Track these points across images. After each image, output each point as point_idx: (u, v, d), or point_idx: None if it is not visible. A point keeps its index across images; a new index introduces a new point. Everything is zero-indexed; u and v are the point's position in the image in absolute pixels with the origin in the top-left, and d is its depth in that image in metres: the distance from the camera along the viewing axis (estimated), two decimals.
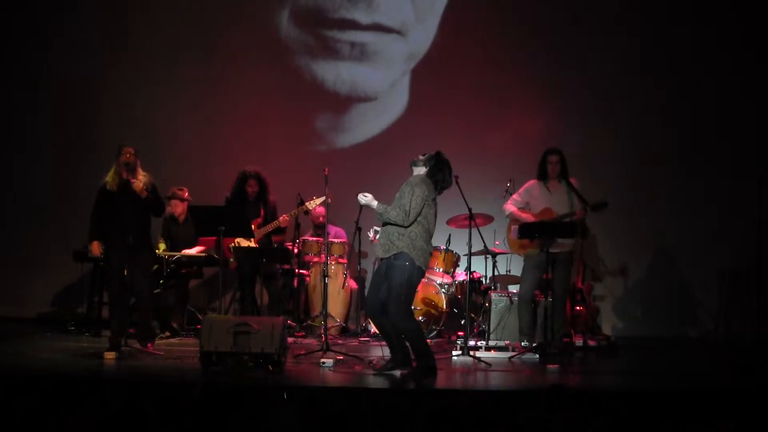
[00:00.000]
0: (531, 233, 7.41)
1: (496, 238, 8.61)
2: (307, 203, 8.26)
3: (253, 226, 8.03)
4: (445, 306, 8.48)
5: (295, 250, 8.60)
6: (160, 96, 9.69)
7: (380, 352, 7.02)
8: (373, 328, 8.16)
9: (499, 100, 9.64)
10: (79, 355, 7.12)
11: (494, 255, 8.47)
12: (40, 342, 7.93)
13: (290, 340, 7.62)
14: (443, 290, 8.51)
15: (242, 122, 9.70)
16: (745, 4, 9.43)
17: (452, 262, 8.73)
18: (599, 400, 5.40)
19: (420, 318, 8.44)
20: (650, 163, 9.53)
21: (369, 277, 9.33)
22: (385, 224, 6.36)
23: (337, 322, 8.63)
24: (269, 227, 8.31)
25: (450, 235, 8.64)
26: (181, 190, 8.62)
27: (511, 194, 7.83)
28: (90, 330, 8.48)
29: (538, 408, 4.35)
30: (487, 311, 8.01)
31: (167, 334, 8.29)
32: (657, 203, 9.48)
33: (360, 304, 9.04)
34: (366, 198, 6.40)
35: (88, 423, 4.21)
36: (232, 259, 8.22)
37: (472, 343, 7.48)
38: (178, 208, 8.62)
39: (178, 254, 8.50)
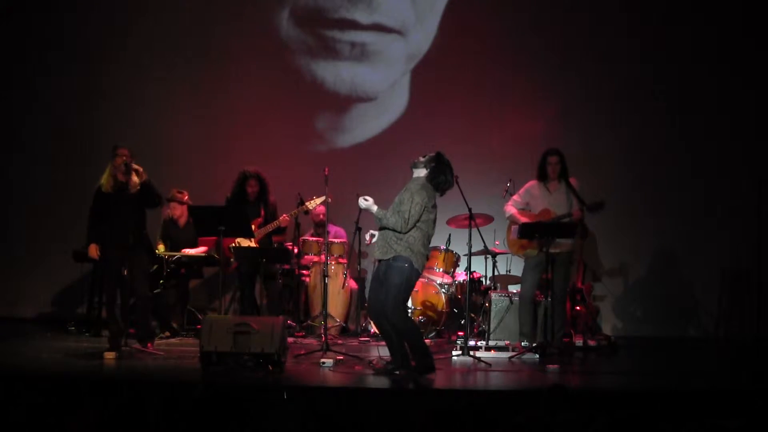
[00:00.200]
0: (531, 233, 7.41)
1: (496, 238, 8.61)
2: (307, 203, 8.26)
3: (253, 226, 8.03)
4: (445, 306, 8.48)
5: (295, 250, 8.59)
6: (160, 96, 9.69)
7: (380, 352, 7.02)
8: (373, 328, 8.17)
9: (499, 100, 9.64)
10: (79, 355, 7.12)
11: (494, 255, 8.47)
12: (40, 342, 7.93)
13: (290, 340, 7.62)
14: (443, 290, 8.51)
15: (242, 122, 9.70)
16: (746, 5, 9.43)
17: (452, 262, 8.73)
18: (599, 400, 5.40)
19: (420, 318, 8.45)
20: (650, 163, 9.52)
21: (369, 277, 9.34)
22: (383, 228, 6.37)
23: (337, 322, 8.63)
24: (269, 227, 8.31)
25: (450, 235, 8.64)
26: (180, 192, 8.61)
27: (511, 194, 7.84)
28: (90, 330, 8.49)
29: (538, 408, 4.34)
30: (487, 311, 8.01)
31: (167, 334, 8.29)
32: (657, 203, 9.48)
33: (360, 304, 9.04)
34: (366, 202, 6.41)
35: (88, 423, 4.21)
36: (232, 260, 8.21)
37: (472, 343, 7.48)
38: (177, 211, 8.61)
39: (178, 254, 8.50)
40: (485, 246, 7.87)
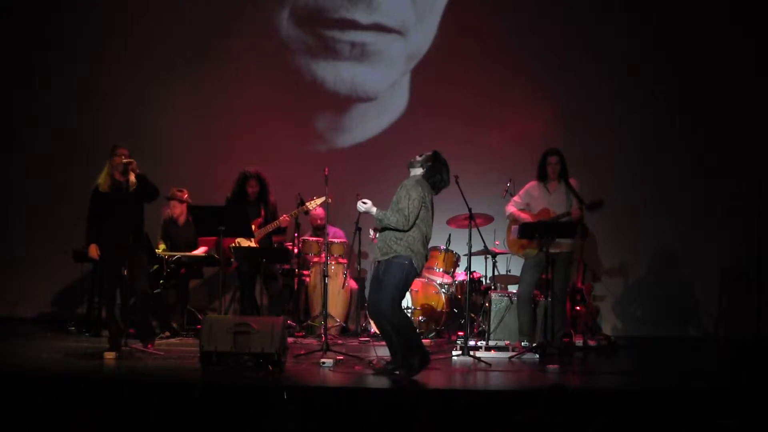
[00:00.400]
0: (531, 233, 7.41)
1: (496, 238, 8.60)
2: (307, 203, 8.26)
3: (253, 226, 8.03)
4: (445, 306, 8.47)
5: (295, 250, 8.59)
6: (160, 96, 9.69)
7: (380, 352, 7.01)
8: (373, 328, 8.17)
9: (499, 100, 9.64)
10: (79, 355, 7.12)
11: (494, 255, 8.47)
12: (40, 342, 7.93)
13: (290, 340, 7.62)
14: (443, 290, 8.51)
15: (242, 122, 9.70)
16: (746, 5, 9.43)
17: (452, 262, 8.73)
18: (599, 400, 5.39)
19: (420, 318, 8.45)
20: (650, 163, 9.52)
21: (369, 277, 9.34)
22: (383, 229, 6.37)
23: (337, 322, 8.63)
24: (270, 227, 8.31)
25: (450, 235, 8.64)
26: (180, 191, 8.61)
27: (511, 194, 7.84)
28: (90, 330, 8.49)
29: (538, 408, 4.34)
30: (487, 311, 8.01)
31: (167, 334, 8.29)
32: (657, 203, 9.48)
33: (360, 304, 9.04)
34: (365, 205, 6.40)
35: (88, 423, 4.21)
36: (233, 260, 8.21)
37: (472, 343, 7.48)
38: (176, 210, 8.61)
39: (178, 254, 8.50)
40: (485, 246, 7.87)
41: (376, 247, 6.44)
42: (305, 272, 8.88)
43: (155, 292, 8.26)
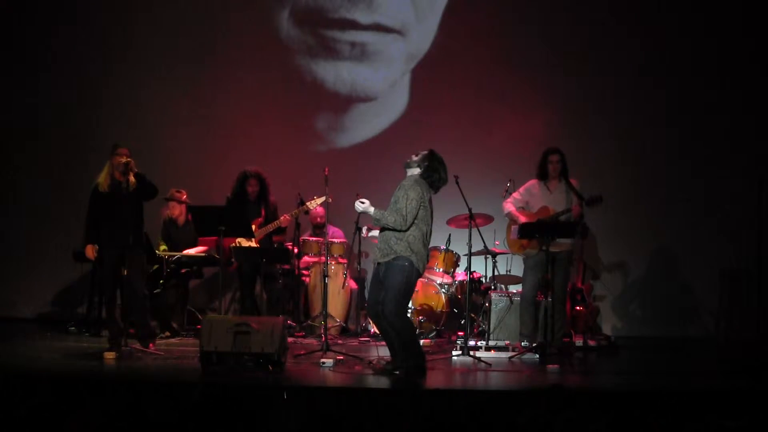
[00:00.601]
0: (531, 233, 7.41)
1: (496, 238, 8.60)
2: (307, 203, 8.26)
3: (253, 226, 8.03)
4: (445, 306, 8.48)
5: (295, 250, 8.60)
6: (160, 96, 9.69)
7: (380, 352, 7.02)
8: (373, 328, 8.17)
9: (499, 100, 9.64)
10: (79, 355, 7.12)
11: (494, 255, 8.47)
12: (40, 342, 7.93)
13: (290, 340, 7.62)
14: (443, 290, 8.51)
15: (242, 122, 9.70)
16: (746, 7, 9.42)
17: (452, 262, 8.73)
18: (599, 400, 5.40)
19: (420, 318, 8.44)
20: (650, 163, 9.52)
21: (369, 277, 9.34)
22: (382, 229, 6.36)
23: (337, 322, 8.63)
24: (270, 227, 8.31)
25: (450, 235, 8.64)
26: (179, 192, 8.61)
27: (511, 194, 7.83)
28: (90, 330, 8.49)
29: (538, 408, 4.34)
30: (487, 311, 8.01)
31: (167, 334, 8.29)
32: (657, 203, 9.48)
33: (360, 304, 9.04)
34: (363, 205, 6.39)
35: (89, 423, 4.21)
36: (233, 260, 8.22)
37: (472, 343, 7.49)
38: (175, 210, 8.61)
39: (178, 254, 8.50)
40: (485, 246, 7.87)
41: (377, 248, 6.44)
42: (305, 272, 8.88)
43: (155, 292, 8.26)
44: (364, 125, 9.89)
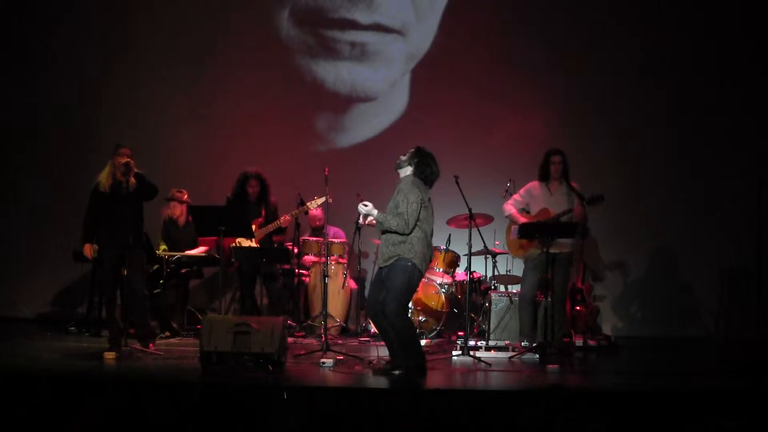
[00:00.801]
0: (531, 234, 7.41)
1: (496, 238, 8.60)
2: (307, 203, 8.26)
3: (254, 226, 8.03)
4: (445, 306, 8.48)
5: (295, 250, 8.60)
6: (160, 96, 9.69)
7: (380, 352, 7.02)
8: (373, 328, 8.17)
9: (499, 100, 9.64)
10: (79, 355, 7.12)
11: (494, 255, 8.47)
12: (40, 342, 7.93)
13: (290, 340, 7.62)
14: (443, 290, 8.51)
15: (242, 122, 9.70)
16: (746, 6, 9.42)
17: (452, 262, 8.73)
18: (599, 400, 5.40)
19: (420, 318, 8.44)
20: (650, 164, 9.52)
21: (369, 277, 9.34)
22: (384, 232, 6.37)
23: (337, 322, 8.63)
24: (270, 227, 8.32)
25: (450, 235, 8.64)
26: (180, 191, 8.61)
27: (511, 194, 7.84)
28: (90, 330, 8.49)
29: (538, 408, 4.34)
30: (487, 311, 8.01)
31: (167, 334, 8.29)
32: (657, 203, 9.48)
33: (360, 304, 9.04)
34: (366, 208, 6.41)
35: (88, 423, 4.21)
36: (233, 260, 8.21)
37: (472, 343, 7.49)
38: (176, 210, 8.61)
39: (178, 254, 8.50)
40: (485, 246, 7.87)
41: (380, 252, 6.45)
42: (305, 272, 8.88)
43: (155, 292, 8.26)
44: (364, 125, 9.89)
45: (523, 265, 7.81)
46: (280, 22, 9.86)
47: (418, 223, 6.28)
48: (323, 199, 8.00)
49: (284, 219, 8.34)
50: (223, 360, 6.28)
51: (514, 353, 7.34)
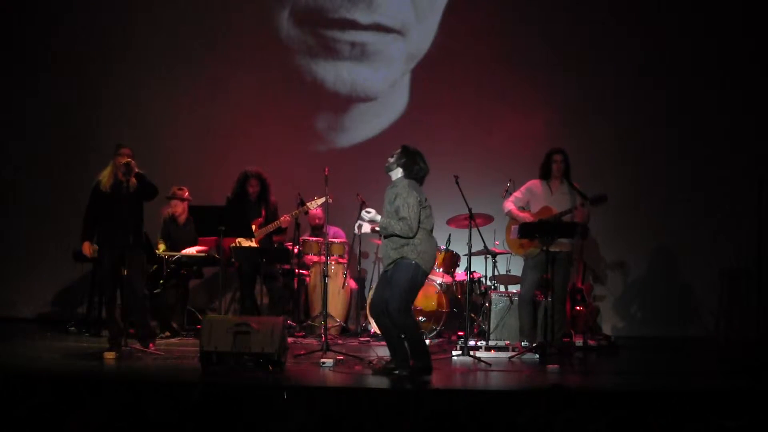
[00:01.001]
0: (531, 233, 7.41)
1: (496, 238, 8.61)
2: (307, 203, 8.26)
3: (254, 226, 8.03)
4: (445, 306, 8.47)
5: (295, 250, 8.60)
6: (160, 96, 9.69)
7: (380, 352, 7.02)
8: (373, 328, 8.17)
9: (499, 99, 9.64)
10: (79, 355, 7.12)
11: (494, 255, 8.47)
12: (40, 342, 7.93)
13: (290, 340, 7.62)
14: (443, 290, 8.50)
15: (242, 122, 9.70)
16: (746, 6, 9.42)
17: (452, 262, 8.73)
18: (599, 400, 5.40)
19: (420, 318, 8.44)
20: (650, 164, 9.52)
21: (369, 277, 9.35)
22: (388, 235, 6.38)
23: (337, 322, 8.63)
24: (270, 227, 8.31)
25: (450, 235, 8.65)
26: (180, 189, 8.61)
27: (512, 194, 7.83)
28: (90, 330, 8.49)
29: (538, 408, 4.34)
30: (487, 311, 8.01)
31: (167, 334, 8.29)
32: (657, 203, 9.48)
33: (360, 304, 9.04)
34: (369, 214, 6.43)
35: (88, 423, 4.21)
36: (233, 260, 8.21)
37: (472, 343, 7.49)
38: (178, 208, 8.61)
39: (178, 254, 8.50)
40: (485, 246, 7.88)
41: (383, 255, 6.45)
42: (305, 272, 8.88)
43: (155, 292, 8.26)
44: (364, 125, 9.89)
45: (522, 265, 7.80)
46: (280, 22, 9.86)
47: (419, 224, 6.29)
48: (323, 199, 7.99)
49: (283, 220, 8.34)
50: (223, 360, 6.28)
51: (514, 353, 7.34)
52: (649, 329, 9.36)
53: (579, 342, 8.05)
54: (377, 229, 6.43)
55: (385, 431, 4.83)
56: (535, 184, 7.69)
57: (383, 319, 6.42)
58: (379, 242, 6.96)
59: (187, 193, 8.60)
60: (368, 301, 8.19)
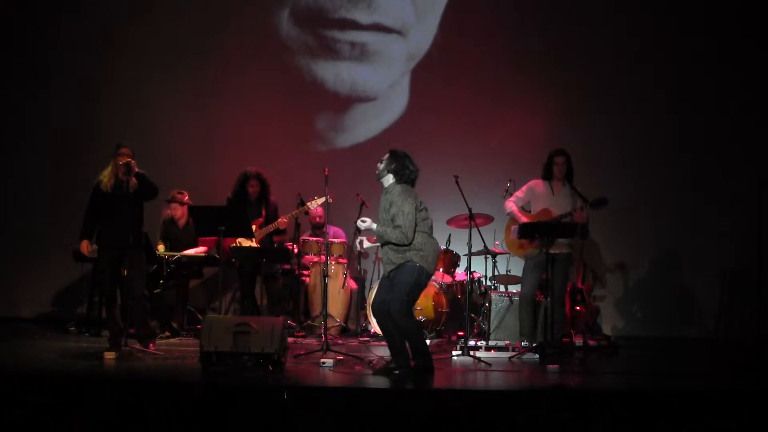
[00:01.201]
0: (531, 233, 7.41)
1: (496, 238, 8.60)
2: (307, 204, 8.26)
3: (254, 227, 8.03)
4: (445, 306, 8.47)
5: (295, 250, 8.59)
6: (160, 96, 9.69)
7: (380, 352, 7.02)
8: (373, 328, 8.17)
9: (499, 99, 9.64)
10: (79, 355, 7.11)
11: (494, 255, 8.47)
12: (40, 342, 7.93)
13: (290, 340, 7.62)
14: (443, 290, 8.50)
15: (242, 122, 9.70)
16: (746, 4, 9.42)
17: (452, 262, 8.73)
18: (599, 400, 5.39)
19: (420, 318, 8.44)
20: (650, 164, 9.52)
21: (369, 277, 9.35)
22: (385, 243, 6.38)
23: (337, 322, 8.63)
24: (270, 227, 8.31)
25: (450, 235, 8.65)
26: (180, 193, 8.60)
27: (511, 194, 7.83)
28: (90, 330, 8.49)
29: (539, 408, 4.34)
30: (487, 311, 8.01)
31: (167, 334, 8.29)
32: (657, 203, 9.47)
33: (360, 304, 9.04)
34: (365, 223, 6.45)
35: (88, 423, 4.21)
36: (234, 260, 8.21)
37: (472, 343, 7.48)
38: (177, 212, 8.61)
39: (178, 254, 8.50)
40: (485, 246, 7.88)
41: (386, 259, 6.45)
42: (305, 272, 8.88)
43: (155, 292, 8.26)
44: (364, 125, 9.89)
45: (522, 265, 7.80)
46: (280, 22, 9.86)
47: (416, 228, 6.30)
48: (323, 199, 7.99)
49: (281, 221, 8.33)
50: (223, 360, 6.28)
51: (514, 353, 7.33)
52: (649, 329, 9.36)
53: (579, 342, 8.04)
54: (376, 240, 6.45)
55: (385, 431, 4.83)
56: (537, 183, 7.68)
57: (386, 321, 6.42)
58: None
59: (186, 197, 8.59)
60: (368, 301, 8.20)
